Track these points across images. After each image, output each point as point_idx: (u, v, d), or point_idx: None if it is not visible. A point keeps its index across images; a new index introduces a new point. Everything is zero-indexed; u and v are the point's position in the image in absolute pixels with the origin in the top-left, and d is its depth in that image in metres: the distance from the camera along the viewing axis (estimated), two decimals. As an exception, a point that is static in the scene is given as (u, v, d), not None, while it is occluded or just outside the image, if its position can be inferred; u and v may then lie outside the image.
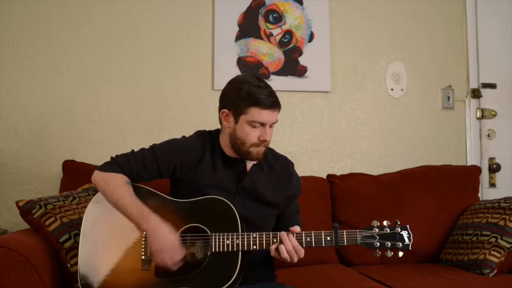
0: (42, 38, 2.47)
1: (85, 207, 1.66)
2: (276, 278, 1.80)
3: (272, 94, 1.59)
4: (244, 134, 1.59)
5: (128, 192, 1.57)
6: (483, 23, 2.97)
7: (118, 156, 1.65)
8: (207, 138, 1.71)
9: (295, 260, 1.51)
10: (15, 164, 2.41)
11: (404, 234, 1.52)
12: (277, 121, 1.63)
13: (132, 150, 1.67)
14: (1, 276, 1.47)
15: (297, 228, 1.54)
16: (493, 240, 2.10)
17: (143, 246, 1.55)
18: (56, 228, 1.72)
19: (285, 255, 1.49)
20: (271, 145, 1.77)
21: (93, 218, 1.61)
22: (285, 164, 1.79)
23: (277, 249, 1.52)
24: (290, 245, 1.49)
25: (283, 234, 1.51)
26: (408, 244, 1.51)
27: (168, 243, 1.49)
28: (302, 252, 1.51)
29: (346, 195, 2.45)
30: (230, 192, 1.65)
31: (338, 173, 2.60)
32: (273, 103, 1.58)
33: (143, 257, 1.54)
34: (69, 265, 1.70)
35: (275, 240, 1.52)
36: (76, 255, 1.66)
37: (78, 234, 1.69)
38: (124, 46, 2.55)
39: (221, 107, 1.65)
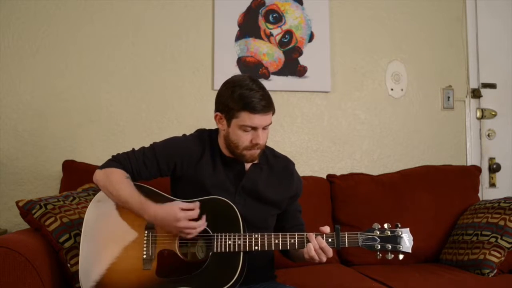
0: (42, 38, 2.47)
1: (85, 207, 1.66)
2: (277, 278, 1.80)
3: (264, 97, 1.56)
4: (237, 138, 1.59)
5: (128, 185, 1.57)
6: (483, 23, 2.97)
7: (119, 154, 1.67)
8: (207, 137, 1.71)
9: (324, 259, 1.51)
10: (15, 164, 2.41)
11: (405, 237, 1.53)
12: (271, 123, 1.62)
13: (133, 149, 1.68)
14: (1, 276, 1.47)
15: (326, 229, 1.53)
16: (493, 240, 2.10)
17: (144, 245, 1.55)
18: (56, 228, 1.72)
19: (312, 252, 1.49)
20: (271, 145, 1.78)
21: (94, 217, 1.61)
22: (286, 164, 1.79)
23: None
24: (318, 246, 1.50)
25: (311, 235, 1.51)
26: (409, 247, 1.52)
27: (174, 215, 1.48)
28: (330, 252, 1.51)
29: (346, 195, 2.45)
30: (230, 191, 1.66)
31: (338, 173, 2.60)
32: (264, 107, 1.55)
33: (144, 256, 1.54)
34: (69, 265, 1.70)
35: (276, 241, 1.52)
36: (76, 255, 1.67)
37: (78, 234, 1.70)
38: (124, 46, 2.55)
39: (215, 110, 1.65)
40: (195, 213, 1.51)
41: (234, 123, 1.58)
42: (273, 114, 1.61)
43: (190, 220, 1.50)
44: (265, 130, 1.61)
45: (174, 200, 1.61)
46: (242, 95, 1.54)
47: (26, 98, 2.44)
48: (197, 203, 1.52)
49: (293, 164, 1.81)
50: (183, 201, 1.54)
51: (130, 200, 1.55)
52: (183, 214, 1.49)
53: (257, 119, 1.56)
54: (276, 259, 1.83)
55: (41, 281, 1.53)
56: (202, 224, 1.51)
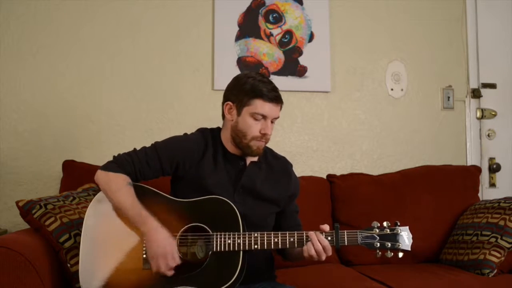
0: (42, 38, 2.47)
1: (85, 207, 1.66)
2: (277, 278, 1.80)
3: (275, 89, 1.64)
4: (246, 126, 1.62)
5: (128, 193, 1.57)
6: (483, 23, 2.97)
7: (120, 155, 1.66)
8: (209, 135, 1.73)
9: (323, 258, 1.51)
10: (15, 164, 2.41)
11: (404, 235, 1.53)
12: (278, 117, 1.66)
13: (134, 149, 1.68)
14: (1, 276, 1.46)
15: (326, 227, 1.54)
16: (493, 240, 2.10)
17: (144, 245, 1.55)
18: (56, 228, 1.72)
19: (312, 251, 1.49)
20: (271, 145, 1.78)
21: (94, 217, 1.61)
22: (284, 164, 1.81)
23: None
24: (319, 245, 1.49)
25: (312, 233, 1.51)
26: (408, 245, 1.52)
27: (163, 249, 1.48)
28: (330, 250, 1.51)
29: (346, 195, 2.45)
30: (229, 190, 1.66)
31: (338, 173, 2.60)
32: (276, 97, 1.62)
33: (144, 256, 1.55)
34: (69, 265, 1.70)
35: (276, 240, 1.53)
36: (76, 255, 1.67)
37: (78, 234, 1.70)
38: (124, 46, 2.55)
39: (225, 100, 1.69)
40: (174, 263, 1.50)
41: (246, 111, 1.62)
42: (280, 108, 1.67)
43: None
44: (272, 124, 1.66)
45: (176, 200, 1.62)
46: (255, 84, 1.61)
47: (26, 98, 2.44)
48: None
49: (291, 165, 1.84)
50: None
51: (129, 210, 1.54)
52: (173, 255, 1.49)
53: (269, 108, 1.61)
54: (276, 259, 1.83)
55: (41, 281, 1.53)
56: (172, 272, 1.51)
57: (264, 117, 1.62)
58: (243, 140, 1.63)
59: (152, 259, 1.50)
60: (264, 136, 1.63)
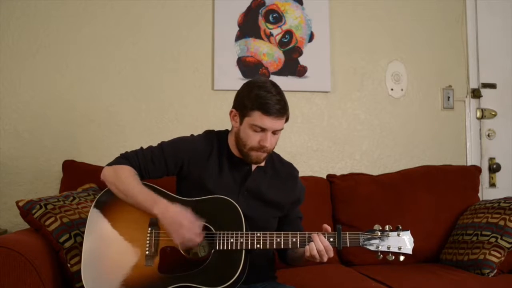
0: (42, 38, 2.47)
1: (85, 207, 1.66)
2: (277, 278, 1.81)
3: (280, 102, 1.58)
4: (245, 136, 1.62)
5: (137, 181, 1.59)
6: (483, 23, 2.97)
7: (127, 152, 1.68)
8: (215, 138, 1.73)
9: (325, 259, 1.51)
10: (15, 164, 2.41)
11: (406, 238, 1.54)
12: (282, 129, 1.63)
13: (141, 147, 1.70)
14: (1, 276, 1.47)
15: (328, 227, 1.55)
16: (493, 240, 2.10)
17: (147, 242, 1.56)
18: (56, 228, 1.72)
19: (314, 252, 1.50)
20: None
21: (97, 216, 1.61)
22: (291, 171, 1.82)
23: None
24: (321, 245, 1.50)
25: (314, 234, 1.52)
26: (409, 249, 1.53)
27: (183, 218, 1.50)
28: (332, 251, 1.52)
29: (346, 195, 2.45)
30: (233, 192, 1.66)
31: (338, 173, 2.60)
32: (277, 111, 1.58)
33: (147, 252, 1.55)
34: (69, 265, 1.70)
35: (278, 239, 1.53)
36: (76, 255, 1.68)
37: (78, 234, 1.71)
38: (124, 46, 2.55)
39: (232, 106, 1.68)
40: (198, 228, 1.52)
41: (246, 122, 1.60)
42: (286, 121, 1.64)
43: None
44: (275, 135, 1.64)
45: (181, 199, 1.63)
46: (259, 95, 1.58)
47: (26, 98, 2.44)
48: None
49: (297, 171, 1.84)
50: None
51: (139, 195, 1.56)
52: (192, 220, 1.51)
53: (268, 122, 1.58)
54: (277, 260, 1.83)
55: (41, 281, 1.53)
56: (201, 236, 1.53)
57: (263, 129, 1.59)
58: (243, 148, 1.64)
59: (176, 233, 1.51)
60: (262, 148, 1.61)
